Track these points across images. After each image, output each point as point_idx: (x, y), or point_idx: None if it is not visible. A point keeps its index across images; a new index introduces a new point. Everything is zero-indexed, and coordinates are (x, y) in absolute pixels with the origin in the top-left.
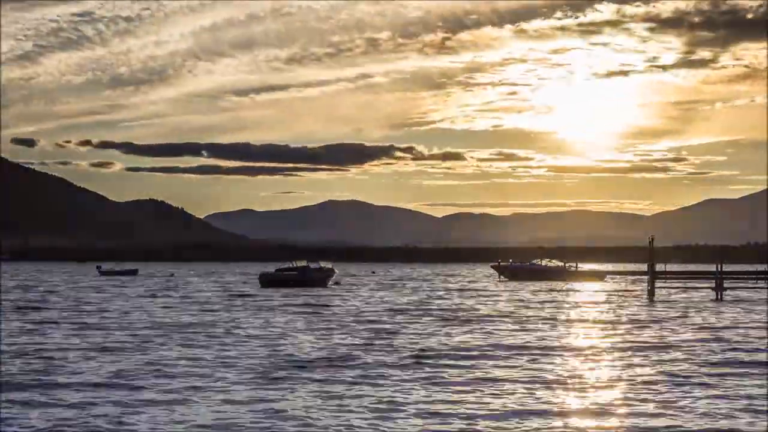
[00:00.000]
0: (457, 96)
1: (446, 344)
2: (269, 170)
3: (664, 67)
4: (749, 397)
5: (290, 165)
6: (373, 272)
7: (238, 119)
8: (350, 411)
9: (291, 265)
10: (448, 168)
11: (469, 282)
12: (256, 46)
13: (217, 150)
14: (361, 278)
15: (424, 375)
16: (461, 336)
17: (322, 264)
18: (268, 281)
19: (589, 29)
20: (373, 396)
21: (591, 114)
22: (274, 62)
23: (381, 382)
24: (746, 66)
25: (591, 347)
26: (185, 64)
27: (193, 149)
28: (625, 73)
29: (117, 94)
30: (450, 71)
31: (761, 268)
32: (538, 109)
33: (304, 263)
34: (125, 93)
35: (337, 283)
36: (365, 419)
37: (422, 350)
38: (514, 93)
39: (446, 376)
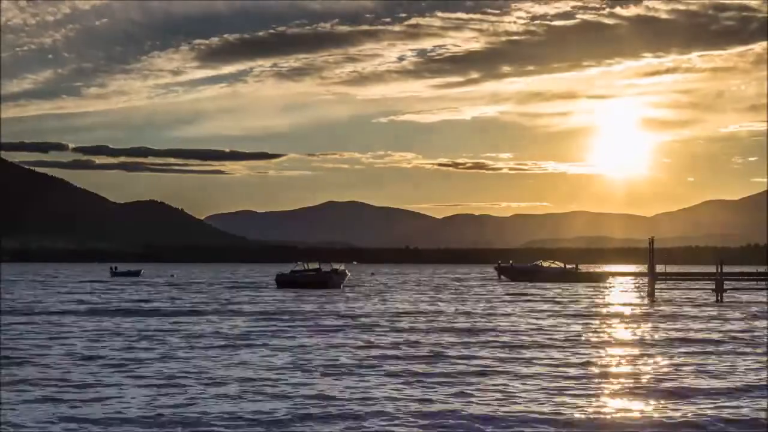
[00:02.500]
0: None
1: None
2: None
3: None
4: None
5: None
6: (373, 274)
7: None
8: None
9: (304, 267)
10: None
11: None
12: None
13: (83, 150)
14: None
15: None
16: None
17: (335, 266)
18: (284, 282)
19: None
20: None
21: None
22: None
23: None
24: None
25: None
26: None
27: (58, 147)
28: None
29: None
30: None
31: (761, 269)
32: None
33: (316, 265)
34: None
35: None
36: None
37: None
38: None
39: None
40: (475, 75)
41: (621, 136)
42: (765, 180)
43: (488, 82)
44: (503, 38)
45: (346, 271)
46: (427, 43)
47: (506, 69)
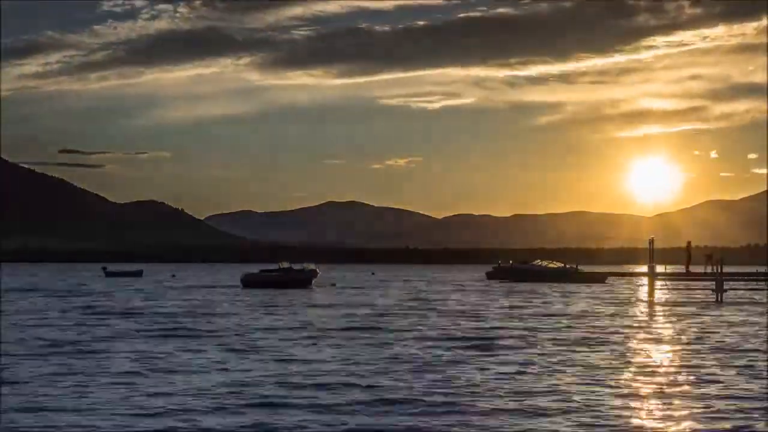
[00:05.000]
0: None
1: None
2: None
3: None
4: None
5: None
6: (373, 273)
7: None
8: None
9: (279, 266)
10: None
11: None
12: None
13: None
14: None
15: None
16: None
17: (305, 265)
18: (249, 282)
19: None
20: None
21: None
22: None
23: None
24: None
25: None
26: None
27: None
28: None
29: None
30: None
31: (761, 269)
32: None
33: (286, 264)
34: None
35: (333, 284)
36: None
37: None
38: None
39: None
40: (470, 56)
41: (620, 132)
42: (765, 172)
43: (481, 66)
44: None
45: (317, 269)
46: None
47: (500, 51)
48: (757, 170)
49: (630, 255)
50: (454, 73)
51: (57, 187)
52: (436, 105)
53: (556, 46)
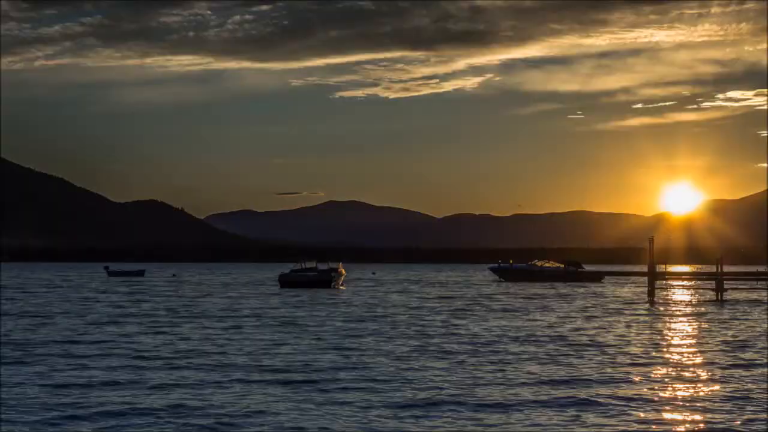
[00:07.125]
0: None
1: None
2: None
3: None
4: None
5: None
6: (373, 273)
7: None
8: None
9: (302, 266)
10: None
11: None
12: None
13: None
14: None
15: None
16: None
17: (331, 264)
18: (287, 282)
19: None
20: None
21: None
22: None
23: None
24: None
25: None
26: None
27: None
28: None
29: None
30: None
31: (761, 269)
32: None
33: (313, 264)
34: None
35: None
36: None
37: None
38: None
39: None
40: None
41: (617, 126)
42: (765, 166)
43: (468, 50)
44: None
45: (342, 269)
46: None
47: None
48: (757, 165)
49: (630, 255)
50: (442, 57)
51: (57, 186)
52: (421, 92)
53: (554, 29)
